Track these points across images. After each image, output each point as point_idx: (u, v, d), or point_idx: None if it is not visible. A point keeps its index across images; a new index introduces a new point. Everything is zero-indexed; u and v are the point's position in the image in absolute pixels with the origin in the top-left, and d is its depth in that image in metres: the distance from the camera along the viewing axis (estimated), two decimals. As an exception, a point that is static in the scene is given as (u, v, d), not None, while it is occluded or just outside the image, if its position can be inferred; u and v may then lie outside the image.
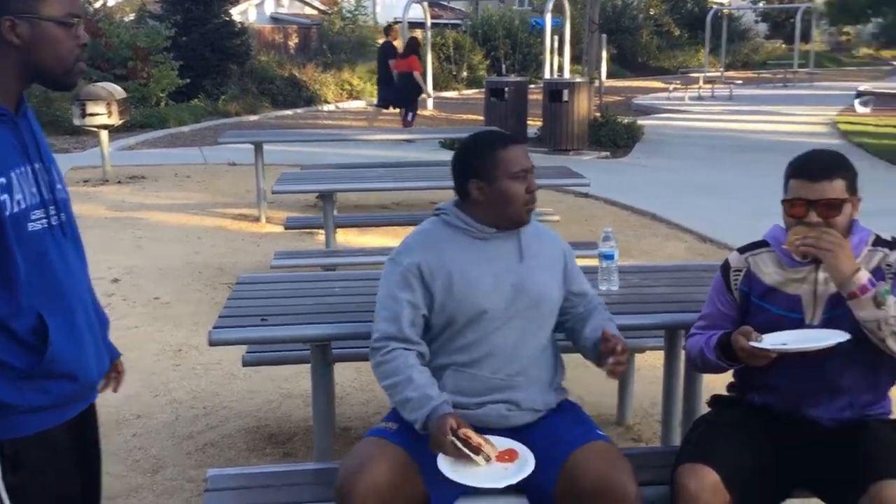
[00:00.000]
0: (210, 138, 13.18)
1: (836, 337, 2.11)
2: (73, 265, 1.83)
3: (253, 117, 16.99)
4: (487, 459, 2.11)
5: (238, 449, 3.55)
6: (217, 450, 3.55)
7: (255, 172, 7.76)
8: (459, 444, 2.09)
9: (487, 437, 2.18)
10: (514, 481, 2.09)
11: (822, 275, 2.25)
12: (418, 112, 14.00)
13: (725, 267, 2.42)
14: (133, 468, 3.39)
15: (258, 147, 7.79)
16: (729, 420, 2.30)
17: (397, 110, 13.56)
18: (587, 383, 4.23)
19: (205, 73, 17.79)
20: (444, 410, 2.19)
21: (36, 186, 1.73)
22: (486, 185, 2.31)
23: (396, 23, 15.89)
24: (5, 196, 1.65)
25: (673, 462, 2.26)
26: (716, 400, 2.53)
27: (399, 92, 13.07)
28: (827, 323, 2.24)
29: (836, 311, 2.22)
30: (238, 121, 16.45)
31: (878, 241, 2.27)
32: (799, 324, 2.26)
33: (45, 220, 1.75)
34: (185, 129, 14.92)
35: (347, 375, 4.27)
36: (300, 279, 3.21)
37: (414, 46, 13.40)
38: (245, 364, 3.42)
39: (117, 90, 9.89)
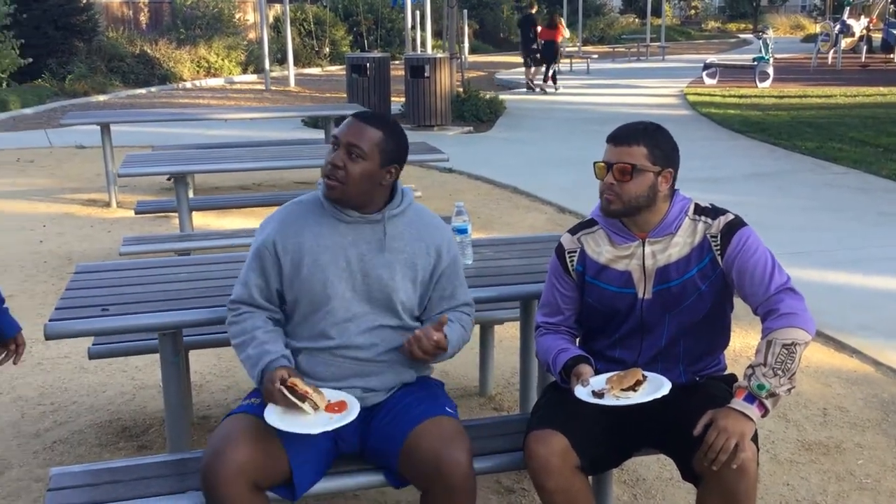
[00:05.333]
0: (56, 120, 12.44)
1: (652, 394, 2.16)
2: None
3: (103, 97, 16.17)
4: (315, 408, 2.14)
5: (89, 445, 3.39)
6: (67, 447, 3.38)
7: (103, 155, 7.40)
8: (286, 392, 2.11)
9: (320, 388, 2.20)
10: (330, 428, 2.11)
11: (648, 249, 2.32)
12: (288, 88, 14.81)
13: (560, 249, 2.44)
14: (-27, 473, 3.19)
15: (105, 128, 7.42)
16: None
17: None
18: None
19: (49, 51, 16.77)
20: (279, 364, 2.20)
21: None
22: None
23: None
24: None
25: (525, 429, 2.32)
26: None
27: (543, 54, 17.47)
28: (658, 296, 2.31)
29: (666, 284, 2.31)
30: (86, 101, 15.62)
31: (699, 210, 2.35)
32: (632, 299, 2.33)
33: None
34: (28, 111, 14.05)
35: (207, 362, 4.15)
36: (146, 266, 3.07)
37: (556, 19, 17.89)
38: (91, 356, 3.26)
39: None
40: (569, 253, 2.42)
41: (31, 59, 15.65)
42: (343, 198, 2.27)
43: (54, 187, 8.20)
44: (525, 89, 17.96)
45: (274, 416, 2.14)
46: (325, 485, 2.31)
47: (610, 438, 2.30)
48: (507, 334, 4.45)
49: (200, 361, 4.13)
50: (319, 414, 2.15)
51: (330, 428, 2.11)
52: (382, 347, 2.34)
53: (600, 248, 2.37)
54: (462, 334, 2.40)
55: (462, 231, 3.03)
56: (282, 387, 2.11)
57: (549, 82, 17.75)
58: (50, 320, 2.48)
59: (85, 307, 2.62)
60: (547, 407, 2.34)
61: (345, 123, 2.30)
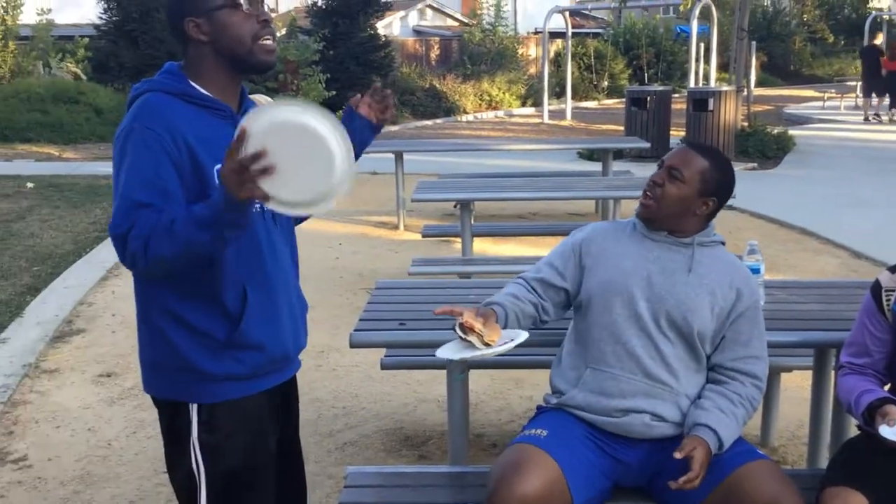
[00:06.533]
0: (353, 148, 13.57)
1: None
2: (280, 251, 2.01)
3: (394, 128, 17.39)
4: (484, 343, 2.14)
5: (375, 449, 3.65)
6: (356, 448, 3.65)
7: (395, 181, 7.95)
8: (456, 328, 2.15)
9: (501, 329, 2.22)
10: (480, 354, 2.13)
11: None
12: (563, 121, 15.44)
13: (876, 287, 2.29)
14: (276, 462, 3.54)
15: (398, 156, 7.98)
16: (880, 444, 2.18)
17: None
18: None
19: (350, 85, 18.31)
20: (482, 306, 2.31)
21: None
22: None
23: (537, 33, 16.45)
24: None
25: (818, 485, 2.17)
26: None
27: (887, 85, 17.05)
28: None
29: None
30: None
31: None
32: None
33: (258, 207, 1.90)
34: (330, 139, 15.43)
35: (482, 383, 4.31)
36: (437, 286, 3.27)
37: None
38: (383, 367, 3.51)
39: (269, 101, 10.33)
40: (886, 291, 2.26)
41: (334, 92, 17.20)
42: (654, 216, 2.32)
43: (350, 209, 8.92)
44: (864, 120, 17.28)
45: (446, 349, 2.19)
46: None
47: (920, 507, 2.09)
48: (793, 384, 4.17)
49: (476, 382, 4.29)
50: (490, 348, 2.16)
51: (480, 354, 2.12)
52: (674, 372, 2.27)
53: None
54: (735, 422, 2.24)
55: (755, 270, 2.90)
56: (457, 325, 2.16)
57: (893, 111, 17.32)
58: (355, 330, 2.71)
59: (384, 320, 2.83)
60: (846, 463, 2.18)
61: (674, 148, 2.39)
